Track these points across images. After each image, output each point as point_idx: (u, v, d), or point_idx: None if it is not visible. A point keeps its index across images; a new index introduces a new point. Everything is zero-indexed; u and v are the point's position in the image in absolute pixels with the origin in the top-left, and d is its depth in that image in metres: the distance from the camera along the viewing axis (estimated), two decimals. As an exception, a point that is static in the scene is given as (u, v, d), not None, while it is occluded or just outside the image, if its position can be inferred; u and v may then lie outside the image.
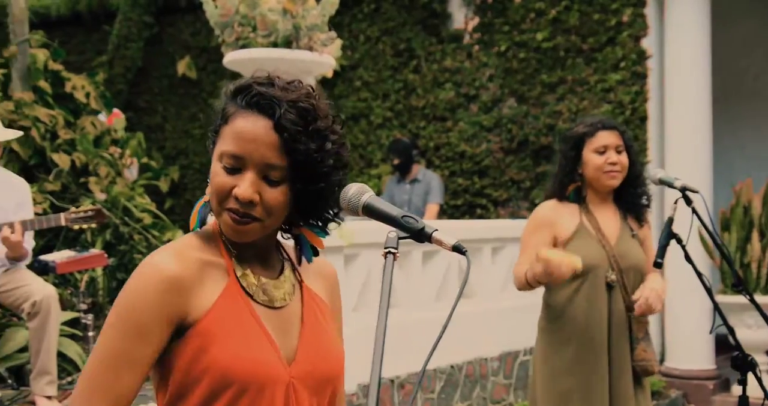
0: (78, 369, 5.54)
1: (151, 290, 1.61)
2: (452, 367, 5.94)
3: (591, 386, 3.62)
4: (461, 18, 9.30)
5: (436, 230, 1.74)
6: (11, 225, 4.80)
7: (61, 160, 6.82)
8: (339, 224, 1.81)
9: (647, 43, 8.26)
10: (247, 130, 1.63)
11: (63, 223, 4.95)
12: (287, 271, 1.79)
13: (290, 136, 1.61)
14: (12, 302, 4.92)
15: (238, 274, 1.70)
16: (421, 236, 1.73)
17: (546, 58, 8.74)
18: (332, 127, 1.69)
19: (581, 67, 8.56)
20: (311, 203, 1.71)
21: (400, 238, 1.74)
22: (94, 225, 5.04)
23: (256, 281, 1.72)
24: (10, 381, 5.19)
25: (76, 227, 5.00)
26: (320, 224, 1.78)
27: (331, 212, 1.77)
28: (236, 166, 1.64)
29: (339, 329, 1.90)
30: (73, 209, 5.14)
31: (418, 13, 9.46)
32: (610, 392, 3.62)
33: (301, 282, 1.82)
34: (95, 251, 5.42)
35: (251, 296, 1.70)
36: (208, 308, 1.64)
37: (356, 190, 1.76)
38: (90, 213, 5.00)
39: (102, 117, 7.66)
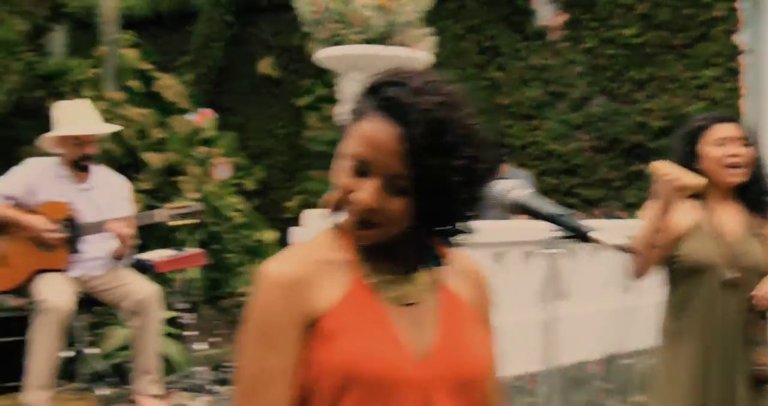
0: (174, 369, 5.53)
1: (274, 299, 1.55)
2: (553, 370, 5.81)
3: (705, 388, 3.48)
4: (546, 14, 9.15)
5: (593, 229, 1.66)
6: (121, 220, 4.82)
7: (153, 159, 6.84)
8: (469, 234, 1.71)
9: (741, 39, 8.04)
10: (373, 135, 1.54)
11: (166, 219, 4.96)
12: (423, 268, 1.70)
13: (416, 149, 1.51)
14: (115, 300, 4.93)
15: (365, 271, 1.62)
16: (579, 235, 1.66)
17: (635, 55, 8.57)
18: (468, 140, 1.56)
19: (672, 63, 8.37)
20: (436, 217, 1.60)
21: (562, 237, 1.67)
22: (194, 221, 5.04)
23: (385, 278, 1.63)
24: (112, 379, 5.20)
25: (178, 223, 5.00)
26: (446, 231, 1.67)
27: (459, 225, 1.64)
28: (359, 169, 1.56)
29: (488, 330, 1.80)
30: (172, 205, 5.14)
31: (503, 9, 9.34)
32: (726, 396, 3.47)
33: (440, 281, 1.72)
34: (194, 250, 5.42)
35: (379, 293, 1.62)
36: (331, 306, 1.57)
37: (506, 186, 1.68)
38: (191, 209, 5.00)
39: (192, 116, 7.68)
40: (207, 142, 7.58)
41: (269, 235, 7.16)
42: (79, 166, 5.06)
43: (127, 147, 6.80)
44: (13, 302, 6.23)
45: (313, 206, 9.66)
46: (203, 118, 7.83)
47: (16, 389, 5.09)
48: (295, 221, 8.71)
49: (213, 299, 6.80)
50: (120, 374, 5.41)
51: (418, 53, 5.88)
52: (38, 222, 4.84)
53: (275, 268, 1.58)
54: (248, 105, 11.26)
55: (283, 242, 7.96)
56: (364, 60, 5.73)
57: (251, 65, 11.14)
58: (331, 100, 10.21)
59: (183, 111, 7.52)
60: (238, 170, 8.59)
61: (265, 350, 1.55)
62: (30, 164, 5.10)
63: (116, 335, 5.67)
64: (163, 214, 4.99)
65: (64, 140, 5.02)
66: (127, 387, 5.28)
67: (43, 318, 4.61)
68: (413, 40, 5.83)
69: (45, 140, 5.09)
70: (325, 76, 9.78)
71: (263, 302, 1.57)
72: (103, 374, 5.20)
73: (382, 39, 5.79)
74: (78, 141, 5.00)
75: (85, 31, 10.18)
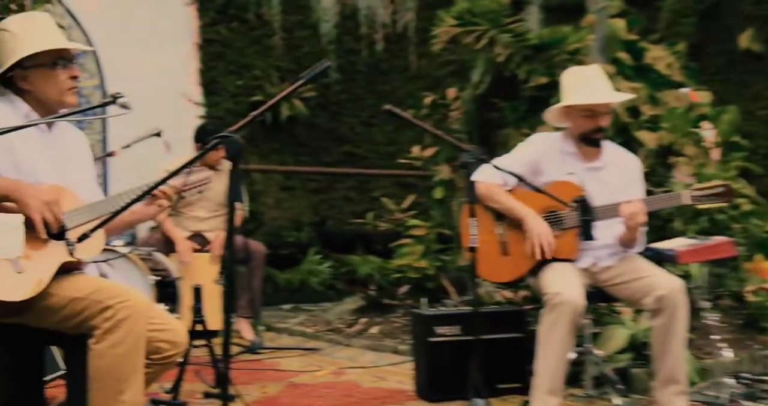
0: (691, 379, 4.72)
1: None
2: None
3: None
4: None
5: None
6: (633, 203, 4.16)
7: (647, 138, 6.10)
8: None
9: None
10: None
11: (687, 201, 4.21)
12: None
13: None
14: (631, 295, 4.26)
15: None
16: None
17: None
18: None
19: None
20: None
21: None
22: (722, 204, 4.25)
23: None
24: (620, 386, 4.53)
25: (702, 206, 4.24)
26: None
27: None
28: None
29: None
30: (697, 185, 4.38)
31: None
32: None
33: None
34: (720, 238, 4.60)
35: None
36: None
37: None
38: (718, 190, 4.21)
39: (687, 90, 6.80)
40: (706, 118, 6.64)
41: (780, 224, 6.12)
42: (590, 141, 4.43)
43: (620, 125, 6.09)
44: (502, 295, 5.81)
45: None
46: (699, 93, 6.93)
47: (516, 391, 4.62)
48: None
49: (712, 299, 5.90)
50: (623, 380, 4.73)
51: None
52: (533, 221, 4.30)
53: None
54: (724, 84, 10.11)
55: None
56: None
57: (728, 41, 10.00)
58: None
59: (679, 85, 6.66)
60: (738, 151, 7.55)
61: None
62: (535, 140, 4.57)
63: (618, 336, 5.00)
64: (686, 195, 4.24)
65: (573, 111, 4.42)
66: (634, 396, 4.61)
67: (555, 314, 4.03)
68: None
69: (551, 112, 4.53)
70: None
71: None
72: (611, 379, 4.53)
73: None
74: (589, 112, 4.37)
75: (554, 10, 9.70)
